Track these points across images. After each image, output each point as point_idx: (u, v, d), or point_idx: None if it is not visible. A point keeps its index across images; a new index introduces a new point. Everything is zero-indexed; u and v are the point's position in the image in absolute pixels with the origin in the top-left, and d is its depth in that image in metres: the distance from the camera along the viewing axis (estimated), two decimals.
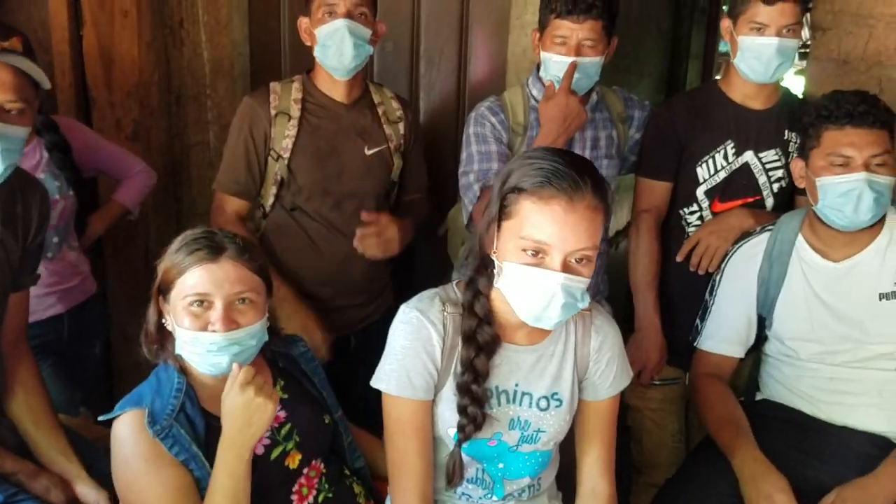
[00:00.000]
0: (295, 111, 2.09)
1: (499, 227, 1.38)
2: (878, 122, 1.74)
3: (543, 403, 1.53)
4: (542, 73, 2.09)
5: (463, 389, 1.45)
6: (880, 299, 1.82)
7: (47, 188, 2.12)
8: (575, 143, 2.13)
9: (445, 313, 1.46)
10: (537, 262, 1.33)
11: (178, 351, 1.45)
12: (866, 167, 1.74)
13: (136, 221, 2.83)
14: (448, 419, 1.49)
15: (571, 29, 1.97)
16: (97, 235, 2.46)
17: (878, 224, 1.82)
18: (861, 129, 1.74)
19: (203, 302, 1.41)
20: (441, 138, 2.71)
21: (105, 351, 2.76)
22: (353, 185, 2.14)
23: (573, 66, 1.97)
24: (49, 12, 2.77)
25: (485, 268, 1.44)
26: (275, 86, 2.14)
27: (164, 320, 1.48)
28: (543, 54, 2.05)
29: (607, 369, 1.57)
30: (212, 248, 1.43)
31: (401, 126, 2.23)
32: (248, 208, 2.19)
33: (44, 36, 2.80)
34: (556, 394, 1.54)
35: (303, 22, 2.11)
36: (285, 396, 1.57)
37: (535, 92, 2.14)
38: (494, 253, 1.40)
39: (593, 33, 1.98)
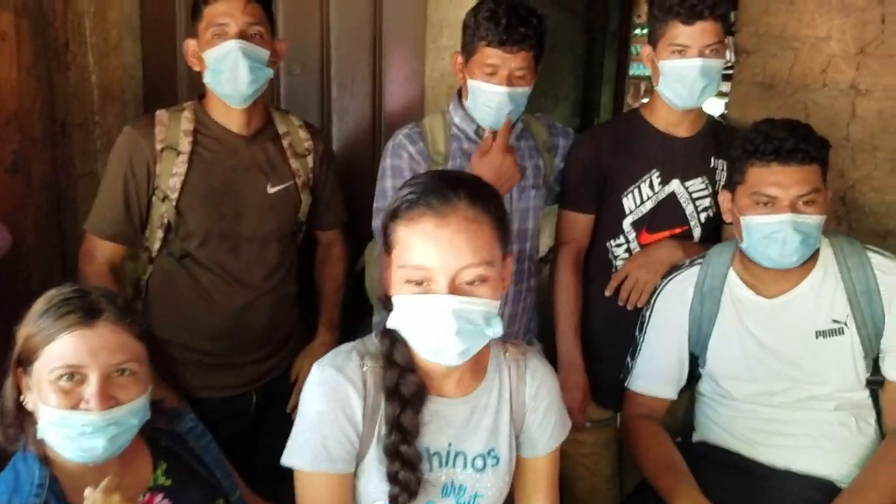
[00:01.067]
0: (185, 145, 1.86)
1: (389, 262, 1.26)
2: (807, 158, 1.65)
3: (479, 463, 1.37)
4: (468, 102, 1.97)
5: (391, 452, 1.28)
6: (817, 337, 1.75)
7: None
8: None
9: (365, 368, 1.29)
10: (424, 290, 1.21)
11: (41, 434, 1.22)
12: (792, 207, 1.65)
13: (17, 261, 2.55)
14: (373, 493, 1.31)
15: (503, 59, 1.86)
16: None
17: (812, 258, 1.75)
18: (788, 167, 1.65)
19: (75, 375, 1.19)
20: (356, 167, 2.54)
21: None
22: (254, 227, 1.92)
23: (509, 123, 1.89)
24: None
25: (388, 308, 1.28)
26: (161, 115, 1.90)
27: (23, 398, 1.25)
28: (471, 82, 1.92)
29: (545, 420, 1.43)
30: (86, 311, 1.22)
31: (309, 159, 2.03)
32: (125, 253, 1.94)
33: None
34: (492, 450, 1.39)
35: (190, 45, 1.89)
36: (169, 483, 1.35)
37: (457, 119, 2.01)
38: (388, 291, 1.27)
39: (525, 63, 1.88)
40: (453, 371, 1.31)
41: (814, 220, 1.66)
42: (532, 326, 2.18)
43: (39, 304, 1.25)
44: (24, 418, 1.25)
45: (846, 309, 1.74)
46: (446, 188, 1.21)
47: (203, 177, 1.87)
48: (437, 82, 2.36)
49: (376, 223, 1.95)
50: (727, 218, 1.82)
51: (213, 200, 1.88)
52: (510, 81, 1.87)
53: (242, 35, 1.81)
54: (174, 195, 1.85)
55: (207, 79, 1.86)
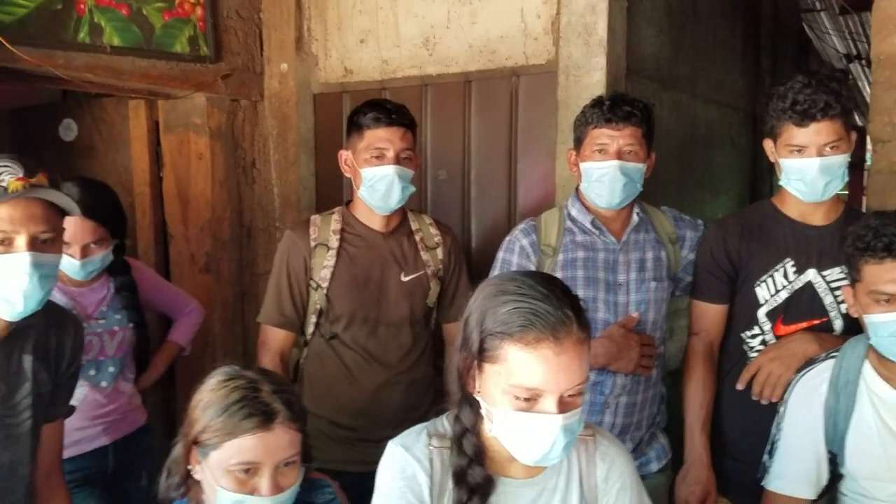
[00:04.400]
0: (333, 242, 2.14)
1: (479, 367, 1.30)
2: None
3: None
4: (582, 186, 2.07)
5: None
6: None
7: (109, 321, 2.25)
8: (619, 266, 2.06)
9: (431, 447, 1.37)
10: (530, 407, 1.25)
11: None
12: None
13: (204, 348, 2.92)
14: None
15: (611, 136, 1.98)
16: (159, 376, 2.53)
17: None
18: None
19: (250, 469, 1.38)
20: (492, 262, 2.69)
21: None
22: (390, 311, 2.15)
23: (637, 317, 2.02)
24: (132, 158, 3.01)
25: (468, 403, 1.35)
26: (315, 219, 2.21)
27: (191, 468, 1.44)
28: (583, 165, 2.04)
29: (619, 502, 1.41)
30: (265, 415, 1.39)
31: (439, 251, 2.25)
32: (293, 341, 2.20)
33: (126, 179, 3.04)
34: None
35: (344, 154, 2.19)
36: None
37: (573, 212, 2.10)
38: (478, 393, 1.32)
39: (633, 139, 1.98)
40: None
41: None
42: (658, 420, 2.15)
43: (216, 395, 1.41)
44: (191, 483, 1.45)
45: None
46: (560, 311, 1.23)
47: (348, 268, 2.14)
48: (568, 181, 2.47)
49: None
50: (853, 313, 1.74)
51: (357, 288, 2.13)
52: (620, 156, 1.97)
53: (397, 159, 2.09)
54: (325, 284, 2.12)
55: (363, 192, 2.13)
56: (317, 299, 2.14)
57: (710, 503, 2.01)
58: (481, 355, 1.28)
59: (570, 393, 1.25)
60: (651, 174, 2.10)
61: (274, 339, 2.17)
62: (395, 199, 2.11)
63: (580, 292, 2.01)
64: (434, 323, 2.29)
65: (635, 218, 2.08)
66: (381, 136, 2.09)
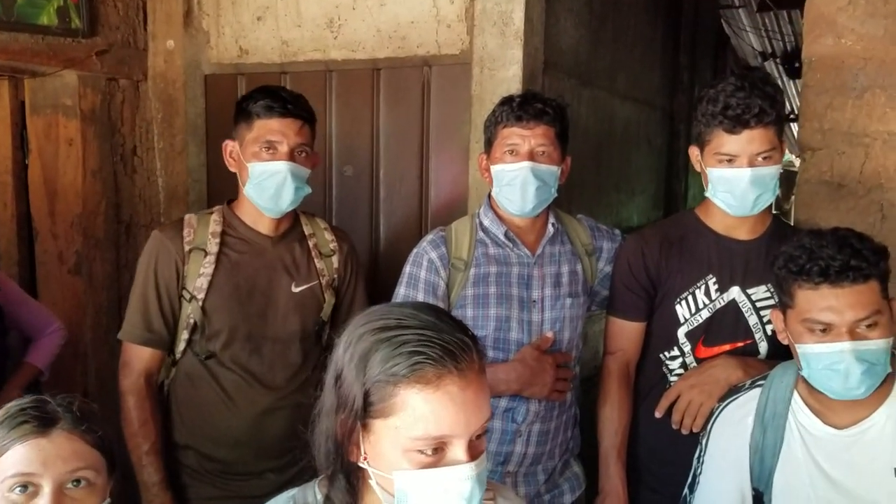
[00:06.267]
0: (212, 246, 1.88)
1: (366, 426, 1.07)
2: (860, 276, 1.42)
3: None
4: (494, 192, 1.90)
5: None
6: None
7: None
8: (533, 281, 1.89)
9: None
10: (438, 460, 1.03)
11: None
12: (851, 334, 1.43)
13: (74, 360, 2.62)
14: None
15: (522, 136, 1.82)
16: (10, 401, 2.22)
17: (886, 383, 1.50)
18: (841, 289, 1.43)
19: (28, 486, 1.16)
20: (401, 267, 2.48)
21: None
22: (278, 326, 1.90)
23: (552, 338, 1.87)
24: None
25: (345, 477, 1.12)
26: (190, 218, 1.93)
27: None
28: (494, 168, 1.87)
29: None
30: (41, 420, 1.19)
31: (335, 259, 2.02)
32: (161, 359, 1.92)
33: None
34: None
35: (231, 146, 1.93)
36: None
37: (486, 222, 1.92)
38: (365, 460, 1.08)
39: (546, 139, 1.82)
40: None
41: (878, 345, 1.43)
42: (571, 446, 2.00)
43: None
44: None
45: None
46: (455, 337, 1.04)
47: (229, 277, 1.88)
48: (481, 182, 2.29)
49: None
50: (782, 340, 1.60)
51: (239, 300, 1.88)
52: (532, 157, 1.81)
53: (291, 154, 1.84)
54: (201, 295, 1.86)
55: (249, 189, 1.88)
56: (190, 312, 1.86)
57: None
58: (367, 411, 1.05)
59: (478, 434, 1.06)
60: (568, 175, 1.95)
61: (138, 360, 1.88)
62: (286, 201, 1.86)
63: (492, 311, 1.85)
64: (327, 339, 2.03)
65: (550, 229, 1.92)
66: (274, 128, 1.83)
